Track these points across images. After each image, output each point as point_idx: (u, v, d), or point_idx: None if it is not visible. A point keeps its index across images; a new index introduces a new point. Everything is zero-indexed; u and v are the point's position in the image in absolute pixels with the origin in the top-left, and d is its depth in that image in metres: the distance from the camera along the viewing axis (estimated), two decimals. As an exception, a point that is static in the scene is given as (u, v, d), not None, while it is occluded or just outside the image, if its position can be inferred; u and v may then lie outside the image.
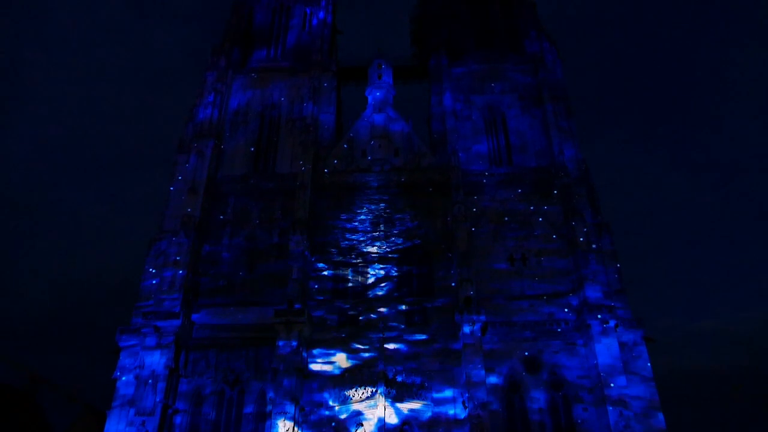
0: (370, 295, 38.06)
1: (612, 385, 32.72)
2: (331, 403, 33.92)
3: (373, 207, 41.37)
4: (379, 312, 37.12)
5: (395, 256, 39.43)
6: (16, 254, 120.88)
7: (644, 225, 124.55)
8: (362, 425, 32.55)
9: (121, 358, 36.16)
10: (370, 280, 38.67)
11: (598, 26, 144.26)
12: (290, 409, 32.49)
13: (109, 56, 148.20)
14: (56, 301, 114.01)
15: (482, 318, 34.55)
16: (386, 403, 32.18)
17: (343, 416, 33.18)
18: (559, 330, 35.85)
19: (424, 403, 33.39)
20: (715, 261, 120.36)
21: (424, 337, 36.09)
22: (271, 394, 33.68)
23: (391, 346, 35.33)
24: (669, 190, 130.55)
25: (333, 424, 33.25)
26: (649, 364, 34.88)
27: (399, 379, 34.06)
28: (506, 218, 40.31)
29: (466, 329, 34.31)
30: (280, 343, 34.41)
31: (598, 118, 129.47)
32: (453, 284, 37.01)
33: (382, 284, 38.40)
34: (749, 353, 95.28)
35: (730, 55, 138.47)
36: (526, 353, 35.33)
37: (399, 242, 39.93)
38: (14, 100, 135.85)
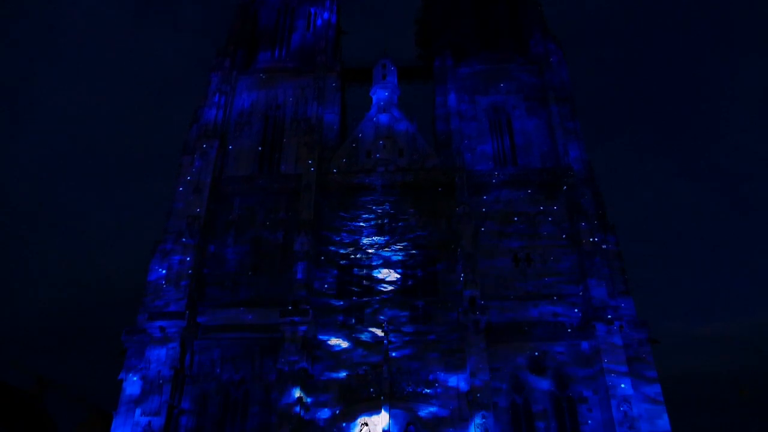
0: (375, 296, 37.99)
1: (616, 386, 32.59)
2: (336, 403, 33.96)
3: (377, 207, 41.30)
4: (384, 312, 37.09)
5: (400, 256, 39.36)
6: (24, 258, 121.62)
7: (650, 229, 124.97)
8: (367, 425, 32.60)
9: (126, 358, 36.27)
10: (375, 281, 38.63)
11: (606, 34, 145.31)
12: (295, 409, 32.51)
13: (116, 64, 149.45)
14: (63, 304, 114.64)
15: (487, 318, 34.53)
16: (391, 403, 32.20)
17: (347, 416, 33.22)
18: (563, 331, 35.72)
19: (429, 402, 33.45)
20: (721, 265, 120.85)
21: (428, 337, 36.03)
22: (276, 394, 33.70)
23: (395, 346, 35.35)
24: (675, 196, 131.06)
25: (342, 423, 33.21)
26: (653, 365, 34.78)
27: (403, 378, 34.08)
28: (511, 219, 40.22)
29: (471, 330, 34.27)
30: (286, 344, 34.43)
31: (605, 123, 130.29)
32: (458, 285, 36.98)
33: (387, 284, 38.35)
34: (755, 356, 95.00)
35: (736, 63, 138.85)
36: (531, 354, 35.25)
37: (403, 243, 39.85)
38: (23, 110, 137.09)
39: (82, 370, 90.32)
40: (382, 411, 32.16)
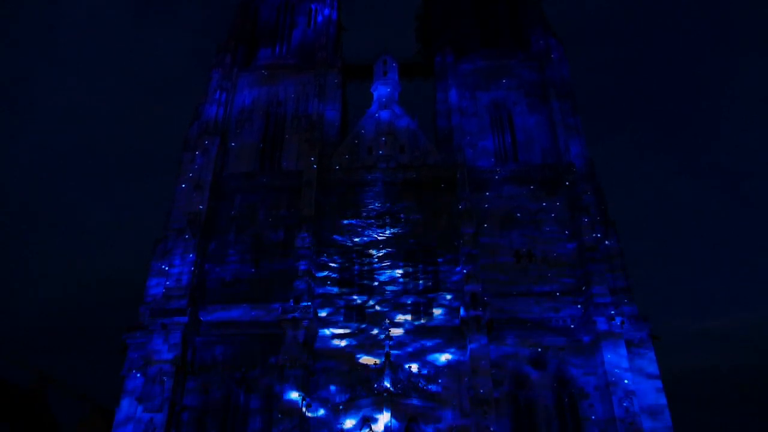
0: (376, 292, 37.93)
1: (618, 382, 32.48)
2: (337, 399, 33.91)
3: (378, 204, 41.20)
4: (385, 309, 37.09)
5: (401, 252, 39.27)
6: (24, 258, 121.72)
7: (650, 227, 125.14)
8: (369, 421, 32.50)
9: (128, 355, 36.34)
10: (376, 277, 38.55)
11: (606, 34, 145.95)
12: (297, 406, 32.49)
13: (116, 64, 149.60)
14: (63, 303, 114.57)
15: (488, 315, 34.45)
16: (393, 400, 32.10)
17: (349, 413, 33.12)
18: (565, 326, 35.68)
19: (431, 399, 33.34)
20: (721, 262, 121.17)
21: (429, 333, 35.96)
22: (277, 390, 33.66)
23: (397, 342, 35.24)
24: (675, 194, 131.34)
25: (344, 419, 33.16)
26: (655, 362, 34.66)
27: (405, 375, 33.99)
28: (513, 215, 40.16)
29: (472, 326, 34.17)
30: (287, 340, 34.40)
31: (605, 121, 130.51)
32: (460, 281, 36.87)
33: (388, 281, 38.28)
34: (755, 354, 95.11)
35: (736, 63, 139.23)
36: (533, 349, 35.19)
37: (405, 239, 39.76)
38: (23, 110, 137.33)
39: (84, 368, 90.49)
40: (384, 407, 32.05)
